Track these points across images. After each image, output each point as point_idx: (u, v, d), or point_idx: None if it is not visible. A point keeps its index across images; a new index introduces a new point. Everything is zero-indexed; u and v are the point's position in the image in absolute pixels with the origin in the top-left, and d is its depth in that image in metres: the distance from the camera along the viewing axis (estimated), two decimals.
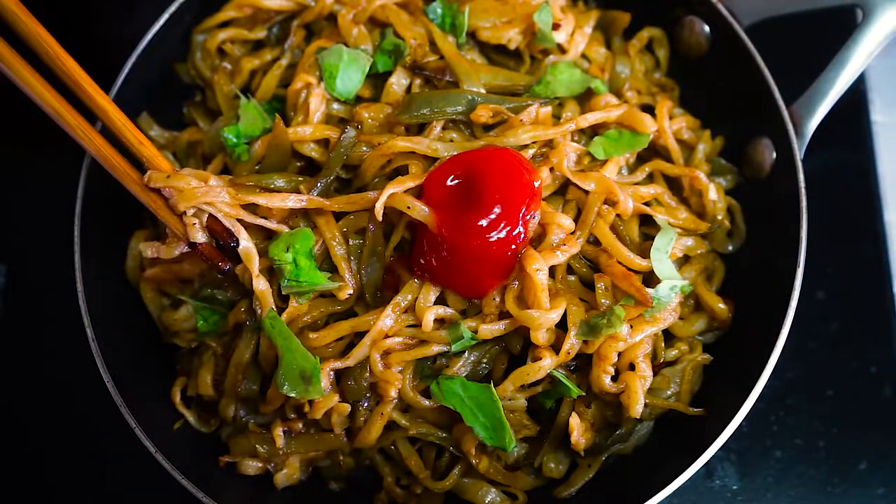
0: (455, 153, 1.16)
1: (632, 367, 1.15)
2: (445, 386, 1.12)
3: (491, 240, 1.07)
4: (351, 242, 1.16)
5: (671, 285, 1.16)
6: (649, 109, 1.32)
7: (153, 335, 1.29)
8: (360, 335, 1.13)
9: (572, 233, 1.16)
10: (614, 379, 1.14)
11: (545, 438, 1.18)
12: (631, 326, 1.13)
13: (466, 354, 1.15)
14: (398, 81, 1.23)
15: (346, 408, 1.15)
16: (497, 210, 1.08)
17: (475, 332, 1.12)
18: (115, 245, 1.28)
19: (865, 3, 1.27)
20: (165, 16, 1.32)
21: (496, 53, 1.30)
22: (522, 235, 1.09)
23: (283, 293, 1.14)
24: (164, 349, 1.29)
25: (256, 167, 1.22)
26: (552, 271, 1.14)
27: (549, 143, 1.21)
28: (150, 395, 1.25)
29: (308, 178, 1.18)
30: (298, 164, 1.22)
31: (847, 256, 1.50)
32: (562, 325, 1.12)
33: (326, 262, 1.17)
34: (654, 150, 1.30)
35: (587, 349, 1.13)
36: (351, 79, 1.24)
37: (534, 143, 1.19)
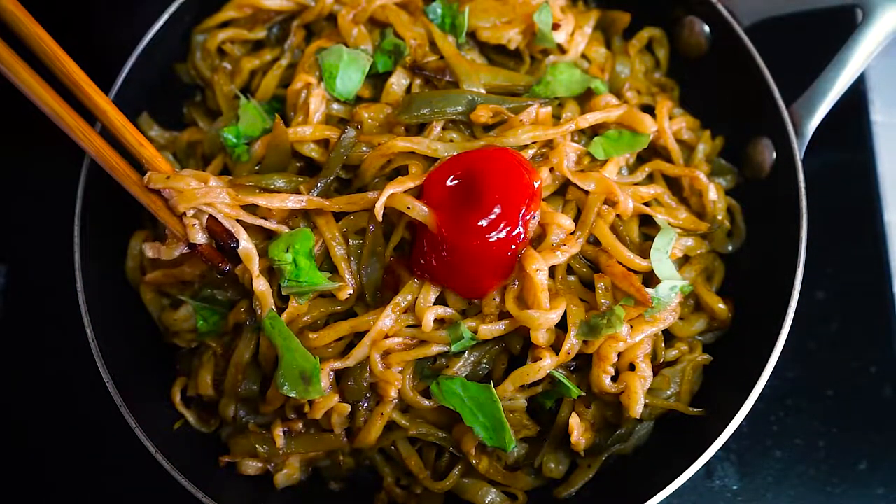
0: (455, 153, 1.16)
1: (632, 367, 1.15)
2: (445, 386, 1.12)
3: (491, 240, 1.07)
4: (351, 243, 1.16)
5: (671, 285, 1.16)
6: (649, 109, 1.32)
7: (153, 335, 1.29)
8: (360, 335, 1.13)
9: (572, 233, 1.16)
10: (614, 379, 1.14)
11: (545, 438, 1.18)
12: (631, 326, 1.13)
13: (466, 354, 1.15)
14: (398, 81, 1.23)
15: (346, 408, 1.15)
16: (497, 210, 1.08)
17: (475, 332, 1.12)
18: (115, 245, 1.28)
19: (865, 3, 1.27)
20: (165, 16, 1.32)
21: (496, 53, 1.30)
22: (522, 235, 1.09)
23: (283, 293, 1.14)
24: (164, 349, 1.29)
25: (256, 167, 1.22)
26: (552, 271, 1.14)
27: (549, 144, 1.21)
28: (150, 395, 1.25)
29: (308, 179, 1.18)
30: (298, 164, 1.22)
31: (847, 256, 1.50)
32: (562, 326, 1.12)
33: (326, 263, 1.17)
34: (654, 151, 1.30)
35: (587, 349, 1.13)
36: (351, 79, 1.24)
37: (534, 143, 1.19)
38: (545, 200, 1.17)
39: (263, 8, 1.34)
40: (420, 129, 1.21)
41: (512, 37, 1.27)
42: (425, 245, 1.11)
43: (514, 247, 1.09)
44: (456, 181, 1.11)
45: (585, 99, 1.29)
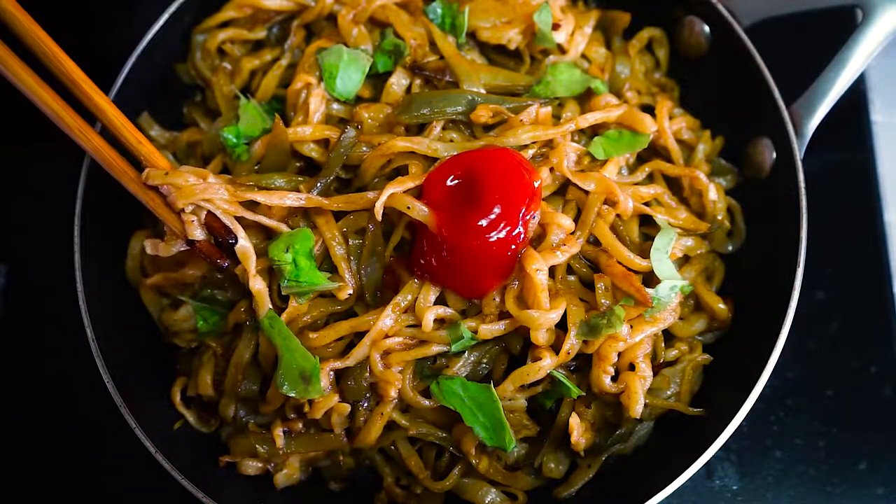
0: (455, 153, 1.16)
1: (632, 367, 1.15)
2: (445, 386, 1.12)
3: (491, 240, 1.07)
4: (351, 242, 1.16)
5: (671, 285, 1.16)
6: (649, 109, 1.32)
7: (153, 335, 1.29)
8: (359, 335, 1.13)
9: (572, 233, 1.16)
10: (614, 379, 1.14)
11: (545, 438, 1.18)
12: (631, 326, 1.13)
13: (466, 354, 1.15)
14: (398, 81, 1.23)
15: (346, 408, 1.15)
16: (497, 210, 1.08)
17: (475, 332, 1.12)
18: (115, 245, 1.28)
19: (865, 3, 1.27)
20: (165, 16, 1.32)
21: (496, 53, 1.30)
22: (522, 235, 1.09)
23: (283, 293, 1.14)
24: (164, 349, 1.29)
25: (256, 167, 1.22)
26: (552, 271, 1.14)
27: (549, 144, 1.21)
28: (150, 395, 1.25)
29: (308, 179, 1.18)
30: (298, 164, 1.22)
31: (847, 257, 1.50)
32: (562, 326, 1.12)
33: (326, 262, 1.17)
34: (654, 151, 1.30)
35: (587, 349, 1.13)
36: (351, 79, 1.24)
37: (534, 143, 1.19)
38: (545, 200, 1.17)
39: (263, 8, 1.34)
40: (420, 129, 1.21)
41: (512, 37, 1.27)
42: (425, 245, 1.11)
43: (514, 247, 1.09)
44: (456, 181, 1.11)
45: (585, 99, 1.29)
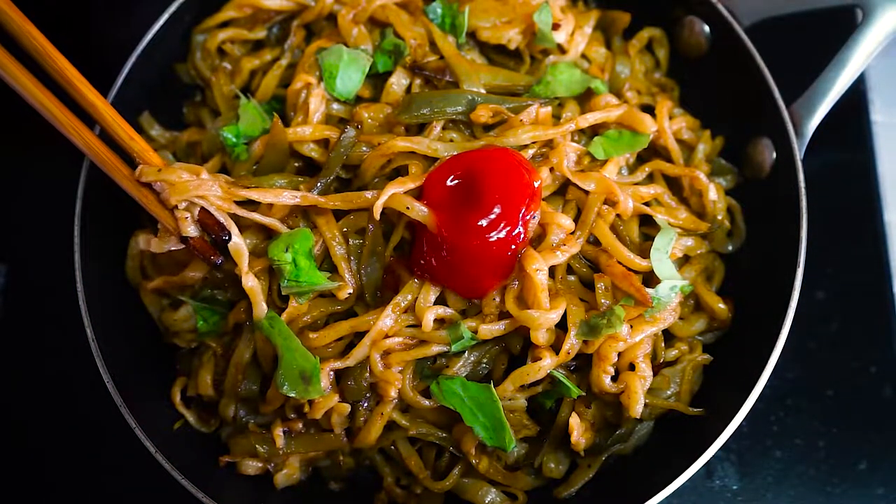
0: (455, 153, 1.16)
1: (632, 367, 1.15)
2: (445, 386, 1.12)
3: (491, 240, 1.07)
4: (351, 242, 1.16)
5: (671, 285, 1.16)
6: (649, 109, 1.32)
7: (153, 335, 1.29)
8: (360, 335, 1.13)
9: (572, 233, 1.16)
10: (614, 379, 1.14)
11: (545, 438, 1.18)
12: (631, 326, 1.13)
13: (466, 354, 1.15)
14: (398, 81, 1.23)
15: (346, 408, 1.15)
16: (497, 210, 1.08)
17: (475, 332, 1.12)
18: (115, 245, 1.28)
19: (865, 3, 1.27)
20: (165, 16, 1.32)
21: (496, 53, 1.30)
22: (522, 235, 1.09)
23: (283, 293, 1.14)
24: (164, 349, 1.29)
25: (254, 167, 1.22)
26: (552, 271, 1.14)
27: (549, 143, 1.21)
28: (150, 395, 1.25)
29: (308, 179, 1.18)
30: (297, 164, 1.22)
31: (847, 257, 1.50)
32: (562, 326, 1.12)
33: (326, 262, 1.17)
34: (654, 150, 1.30)
35: (587, 349, 1.13)
36: (351, 79, 1.24)
37: (534, 143, 1.19)
38: (545, 200, 1.17)
39: (263, 8, 1.34)
40: (420, 129, 1.21)
41: (512, 37, 1.27)
42: (425, 245, 1.11)
43: (514, 247, 1.09)
44: (456, 181, 1.11)
45: (585, 99, 1.29)
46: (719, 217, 1.27)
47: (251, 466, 1.20)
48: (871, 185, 1.55)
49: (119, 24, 1.63)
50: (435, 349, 1.13)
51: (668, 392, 1.21)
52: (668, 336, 1.22)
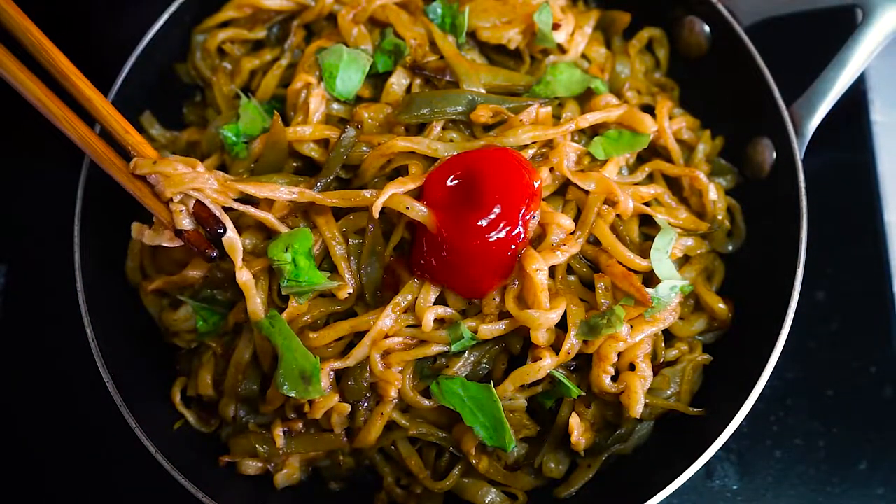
0: (455, 153, 1.16)
1: (632, 367, 1.15)
2: (445, 386, 1.12)
3: (491, 240, 1.07)
4: (351, 242, 1.16)
5: (671, 285, 1.16)
6: (649, 109, 1.32)
7: (153, 335, 1.29)
8: (360, 335, 1.13)
9: (572, 233, 1.16)
10: (614, 379, 1.14)
11: (545, 438, 1.18)
12: (631, 326, 1.13)
13: (466, 354, 1.15)
14: (398, 81, 1.23)
15: (346, 408, 1.15)
16: (497, 210, 1.08)
17: (475, 332, 1.12)
18: (115, 245, 1.28)
19: (865, 3, 1.27)
20: (165, 16, 1.33)
21: (496, 53, 1.30)
22: (522, 235, 1.09)
23: (283, 293, 1.14)
24: (164, 349, 1.29)
25: (253, 165, 1.22)
26: (552, 271, 1.14)
27: (549, 143, 1.21)
28: (150, 395, 1.25)
29: (308, 178, 1.18)
30: (296, 163, 1.22)
31: (847, 256, 1.50)
32: (562, 325, 1.12)
33: (326, 262, 1.17)
34: (654, 150, 1.30)
35: (587, 349, 1.13)
36: (351, 79, 1.24)
37: (534, 143, 1.19)
38: (545, 200, 1.17)
39: (263, 8, 1.34)
40: (420, 128, 1.21)
41: (512, 37, 1.27)
42: (425, 245, 1.11)
43: (514, 247, 1.09)
44: (456, 181, 1.11)
45: (585, 99, 1.29)
46: (719, 217, 1.27)
47: (251, 466, 1.20)
48: (871, 185, 1.55)
49: (119, 24, 1.63)
50: (435, 349, 1.13)
51: (668, 392, 1.21)
52: (668, 336, 1.22)
